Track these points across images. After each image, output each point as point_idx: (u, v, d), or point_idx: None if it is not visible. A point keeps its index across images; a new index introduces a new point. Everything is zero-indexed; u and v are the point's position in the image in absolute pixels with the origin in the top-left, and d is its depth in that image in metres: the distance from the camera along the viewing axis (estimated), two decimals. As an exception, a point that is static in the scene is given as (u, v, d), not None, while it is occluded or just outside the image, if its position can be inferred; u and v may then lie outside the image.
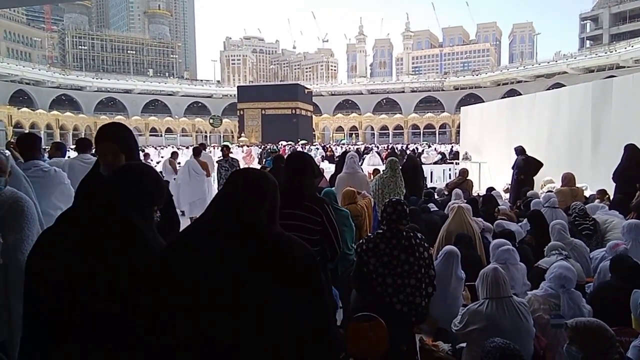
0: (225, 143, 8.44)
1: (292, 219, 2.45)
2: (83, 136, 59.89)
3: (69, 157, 6.06)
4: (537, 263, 4.01)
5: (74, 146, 9.10)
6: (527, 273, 3.83)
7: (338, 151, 27.40)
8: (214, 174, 10.16)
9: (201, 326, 1.25)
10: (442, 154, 21.23)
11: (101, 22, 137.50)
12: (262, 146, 32.12)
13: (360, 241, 2.83)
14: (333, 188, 7.04)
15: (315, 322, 1.33)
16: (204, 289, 1.26)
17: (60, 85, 69.09)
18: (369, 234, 2.89)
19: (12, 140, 5.85)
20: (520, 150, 8.69)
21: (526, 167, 8.44)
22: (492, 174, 11.00)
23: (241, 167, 13.93)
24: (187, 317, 1.26)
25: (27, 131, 54.72)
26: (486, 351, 1.93)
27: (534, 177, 8.66)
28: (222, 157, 9.19)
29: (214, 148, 29.91)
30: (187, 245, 1.36)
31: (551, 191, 7.49)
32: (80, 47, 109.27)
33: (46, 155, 6.16)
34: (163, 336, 1.28)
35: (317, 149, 22.24)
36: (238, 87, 66.51)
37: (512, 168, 8.77)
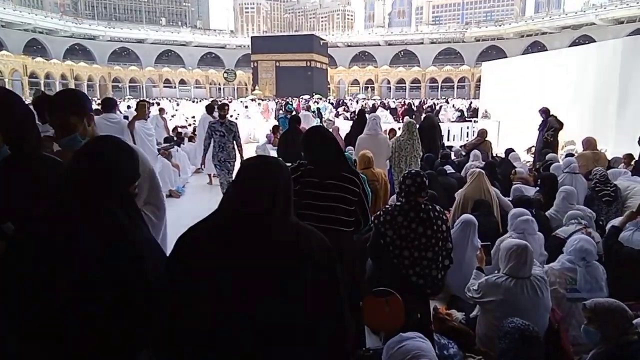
0: (224, 101, 6.88)
1: (333, 189, 2.51)
2: (97, 97, 60.01)
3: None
4: (555, 232, 3.97)
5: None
6: (545, 242, 3.81)
7: (353, 106, 27.02)
8: (201, 141, 8.78)
9: (216, 321, 1.26)
10: (461, 111, 20.70)
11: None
12: (278, 101, 31.79)
13: (378, 212, 2.81)
14: (350, 151, 7.02)
15: (330, 314, 1.34)
16: (219, 285, 1.25)
17: (73, 34, 68.32)
18: (387, 206, 2.86)
19: (41, 95, 5.82)
20: (546, 112, 8.39)
21: (559, 128, 8.19)
22: (512, 134, 10.74)
23: (241, 130, 13.45)
24: (202, 313, 1.26)
25: (42, 81, 55.05)
26: (505, 331, 1.94)
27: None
28: (217, 119, 6.98)
29: (229, 102, 29.66)
30: (200, 241, 1.33)
31: (572, 154, 7.33)
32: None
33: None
34: (178, 334, 1.28)
35: (326, 108, 21.55)
36: (252, 37, 65.05)
37: (540, 129, 8.47)
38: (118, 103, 12.17)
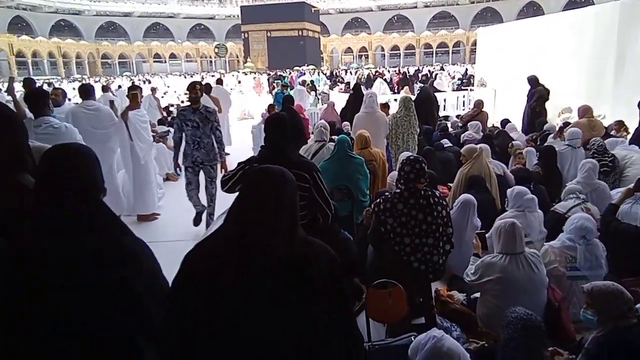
0: (195, 79, 4.58)
1: None
2: (87, 74, 58.72)
3: (75, 103, 5.97)
4: (553, 207, 3.99)
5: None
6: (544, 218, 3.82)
7: (348, 77, 26.64)
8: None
9: (225, 339, 1.25)
10: (461, 79, 20.36)
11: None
12: (270, 74, 31.29)
13: (378, 200, 2.80)
14: (347, 128, 6.96)
15: (340, 326, 1.33)
16: (227, 303, 1.24)
17: (57, 10, 66.36)
18: (387, 193, 2.85)
19: (13, 77, 5.69)
20: (534, 80, 8.30)
21: (545, 97, 8.13)
22: (509, 102, 10.65)
23: (235, 106, 12.86)
24: (210, 330, 1.25)
25: (29, 60, 53.88)
26: (507, 321, 1.96)
27: (550, 104, 8.39)
28: (187, 104, 5.08)
29: (222, 76, 29.23)
30: (208, 257, 1.31)
31: (568, 122, 7.29)
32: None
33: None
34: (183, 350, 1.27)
35: (320, 80, 21.07)
36: (241, 7, 63.31)
37: (528, 97, 8.42)
38: (102, 87, 11.97)
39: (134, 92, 5.03)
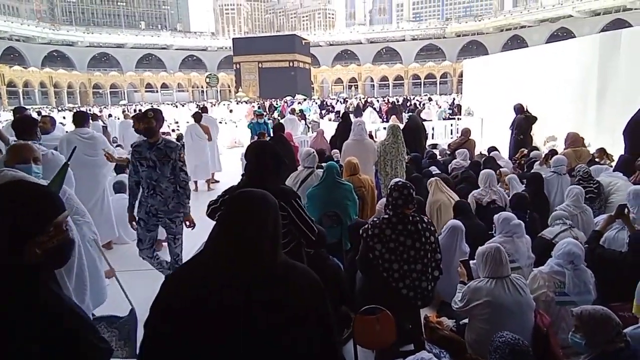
0: (148, 108, 3.92)
1: None
2: (78, 104, 58.94)
3: (66, 131, 5.94)
4: (540, 233, 4.01)
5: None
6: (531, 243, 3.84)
7: (338, 106, 27.01)
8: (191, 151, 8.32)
9: None
10: (452, 109, 20.63)
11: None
12: (260, 103, 31.65)
13: (366, 225, 2.80)
14: (336, 155, 7.01)
15: (324, 350, 1.31)
16: (206, 327, 1.21)
17: (51, 41, 67.15)
18: (375, 218, 2.85)
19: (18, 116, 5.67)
20: (519, 109, 8.52)
21: (526, 126, 8.32)
22: (496, 131, 10.85)
23: (225, 135, 12.74)
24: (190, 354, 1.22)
25: (20, 90, 54.01)
26: (495, 346, 1.95)
27: (533, 134, 8.58)
28: (143, 138, 3.81)
29: (212, 105, 29.44)
30: (187, 283, 1.28)
31: (554, 150, 7.42)
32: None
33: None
34: None
35: (310, 109, 21.33)
36: (233, 39, 64.69)
37: (510, 127, 8.64)
38: (91, 116, 11.99)
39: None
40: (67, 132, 5.73)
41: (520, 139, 8.27)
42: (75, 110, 6.23)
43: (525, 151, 7.60)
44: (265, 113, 16.47)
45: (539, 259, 3.56)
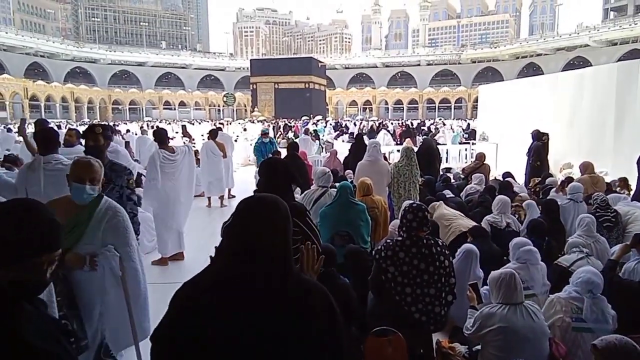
0: (95, 123, 3.73)
1: None
2: (97, 119, 60.24)
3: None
4: (557, 260, 3.94)
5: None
6: (547, 270, 3.77)
7: (352, 127, 27.14)
8: (205, 167, 8.56)
9: None
10: (468, 133, 20.39)
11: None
12: (275, 122, 31.96)
13: (380, 247, 2.78)
14: (349, 176, 7.02)
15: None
16: (220, 341, 1.21)
17: (74, 57, 69.16)
18: (388, 240, 2.83)
19: (24, 118, 5.79)
20: (536, 135, 8.47)
21: (542, 153, 8.26)
22: (511, 156, 10.78)
23: (239, 152, 12.74)
24: None
25: (42, 104, 55.40)
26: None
27: (551, 160, 8.51)
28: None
29: (227, 124, 29.80)
30: (199, 292, 1.26)
31: (571, 177, 7.33)
32: (93, 19, 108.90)
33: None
34: None
35: (323, 129, 21.42)
36: (251, 60, 65.80)
37: (527, 154, 8.58)
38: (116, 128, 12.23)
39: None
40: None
41: (536, 165, 8.21)
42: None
43: (537, 180, 7.52)
44: (274, 132, 16.55)
45: (555, 286, 3.49)
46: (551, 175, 7.71)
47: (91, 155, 3.02)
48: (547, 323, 2.84)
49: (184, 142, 11.47)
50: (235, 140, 14.34)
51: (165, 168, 5.28)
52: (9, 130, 18.24)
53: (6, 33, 59.44)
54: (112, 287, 2.53)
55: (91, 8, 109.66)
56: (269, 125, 22.11)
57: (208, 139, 9.09)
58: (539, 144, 8.30)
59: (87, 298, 2.50)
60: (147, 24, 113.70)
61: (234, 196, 9.52)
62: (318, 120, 30.43)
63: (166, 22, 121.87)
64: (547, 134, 8.55)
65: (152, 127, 24.68)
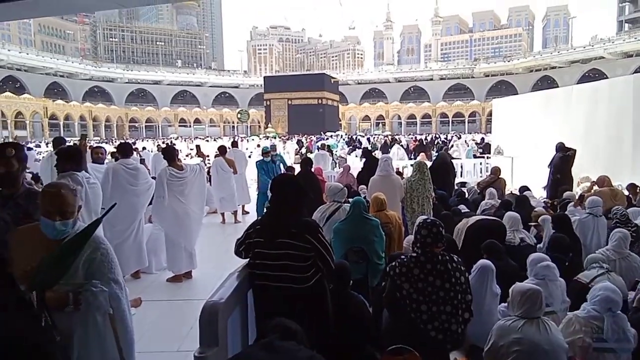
0: (6, 142, 3.05)
1: (283, 247, 2.46)
2: (115, 137, 61.42)
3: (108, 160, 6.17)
4: (576, 277, 3.85)
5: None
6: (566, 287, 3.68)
7: (365, 142, 27.16)
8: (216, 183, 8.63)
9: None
10: (482, 147, 20.19)
11: (131, 14, 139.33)
12: (290, 138, 32.15)
13: (394, 263, 2.75)
14: (363, 191, 7.00)
15: None
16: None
17: (92, 77, 70.91)
18: (403, 256, 2.80)
19: (85, 134, 5.97)
20: (560, 147, 8.37)
21: (563, 165, 8.14)
22: (526, 171, 10.65)
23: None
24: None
25: (61, 122, 56.67)
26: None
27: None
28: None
29: (242, 140, 30.08)
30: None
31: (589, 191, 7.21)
32: (111, 39, 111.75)
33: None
34: None
35: (337, 145, 21.47)
36: (264, 77, 66.73)
37: (549, 166, 8.47)
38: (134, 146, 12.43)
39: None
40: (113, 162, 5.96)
41: (557, 178, 8.09)
42: (120, 142, 6.56)
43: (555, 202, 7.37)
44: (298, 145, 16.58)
45: (574, 303, 3.41)
46: (569, 189, 7.57)
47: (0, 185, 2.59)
48: (566, 340, 2.78)
49: (199, 163, 11.58)
50: (249, 157, 14.44)
51: (173, 186, 5.25)
52: (29, 149, 18.63)
53: (27, 54, 61.30)
54: (97, 329, 2.06)
55: (109, 29, 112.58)
56: (280, 141, 22.21)
57: (216, 156, 9.17)
58: (559, 156, 8.19)
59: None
60: (163, 43, 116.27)
61: (247, 212, 9.54)
62: (335, 136, 30.51)
63: (182, 41, 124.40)
64: (574, 149, 8.40)
65: (163, 144, 25.00)
